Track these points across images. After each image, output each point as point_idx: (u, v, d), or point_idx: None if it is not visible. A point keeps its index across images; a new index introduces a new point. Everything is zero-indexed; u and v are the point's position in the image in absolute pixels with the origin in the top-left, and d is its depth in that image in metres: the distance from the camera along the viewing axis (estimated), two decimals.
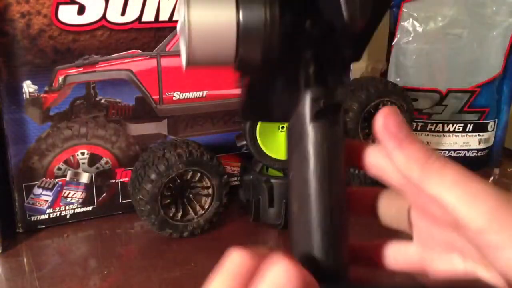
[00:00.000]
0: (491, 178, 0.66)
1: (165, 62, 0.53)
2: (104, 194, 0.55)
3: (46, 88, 0.49)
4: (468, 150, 0.66)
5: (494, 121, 0.66)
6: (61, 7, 0.48)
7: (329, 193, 0.24)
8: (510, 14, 0.62)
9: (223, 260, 0.21)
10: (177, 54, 0.54)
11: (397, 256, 0.26)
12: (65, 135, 0.51)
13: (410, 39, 0.64)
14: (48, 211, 0.52)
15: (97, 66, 0.51)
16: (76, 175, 0.53)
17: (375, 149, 0.25)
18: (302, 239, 0.24)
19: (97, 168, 0.54)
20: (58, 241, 0.51)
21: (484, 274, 0.22)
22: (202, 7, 0.22)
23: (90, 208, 0.54)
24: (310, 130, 0.24)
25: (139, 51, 0.52)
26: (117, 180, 0.55)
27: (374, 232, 0.28)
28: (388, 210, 0.26)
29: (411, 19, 0.64)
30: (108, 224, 0.54)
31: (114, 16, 0.50)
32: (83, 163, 0.53)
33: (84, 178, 0.53)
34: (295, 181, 0.25)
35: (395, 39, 0.65)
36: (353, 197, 0.27)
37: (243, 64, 0.23)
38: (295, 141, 0.24)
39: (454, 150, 0.66)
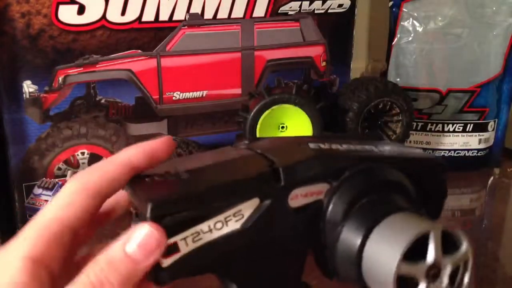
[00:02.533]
0: (491, 178, 0.66)
1: (165, 62, 0.53)
2: None
3: (46, 88, 0.49)
4: (468, 150, 0.66)
5: (494, 121, 0.66)
6: (61, 7, 0.48)
7: None
8: (510, 14, 0.62)
9: None
10: (177, 54, 0.54)
11: None
12: (65, 135, 0.51)
13: (410, 39, 0.64)
14: None
15: (97, 66, 0.51)
16: None
17: None
18: None
19: None
20: None
21: None
22: None
23: None
24: None
25: (139, 51, 0.52)
26: None
27: None
28: None
29: (411, 19, 0.64)
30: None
31: (114, 16, 0.50)
32: (83, 163, 0.53)
33: None
34: None
35: (395, 39, 0.65)
36: None
37: None
38: None
39: (454, 150, 0.66)
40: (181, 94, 0.55)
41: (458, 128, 0.65)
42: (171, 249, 0.23)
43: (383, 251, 0.23)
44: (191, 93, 0.56)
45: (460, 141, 0.66)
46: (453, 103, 0.64)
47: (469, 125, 0.65)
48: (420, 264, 0.22)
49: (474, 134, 0.66)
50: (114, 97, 0.52)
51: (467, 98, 0.64)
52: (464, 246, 0.24)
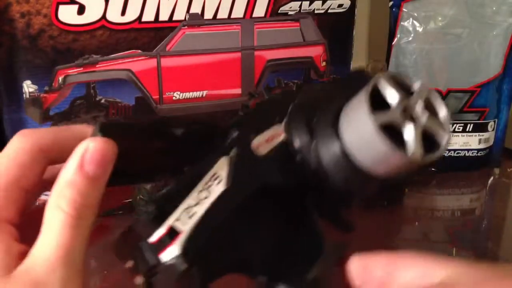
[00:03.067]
0: (491, 178, 0.66)
1: (165, 62, 0.53)
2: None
3: (46, 88, 0.49)
4: (468, 150, 0.66)
5: (494, 121, 0.66)
6: (61, 7, 0.48)
7: None
8: (510, 14, 0.62)
9: None
10: (177, 54, 0.54)
11: None
12: None
13: (410, 39, 0.64)
14: None
15: (97, 66, 0.51)
16: None
17: None
18: None
19: None
20: None
21: None
22: None
23: None
24: None
25: (139, 51, 0.52)
26: None
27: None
28: None
29: (411, 19, 0.63)
30: (108, 224, 0.54)
31: (114, 16, 0.50)
32: None
33: None
34: None
35: (395, 39, 0.65)
36: None
37: None
38: None
39: (454, 150, 0.66)
40: (181, 94, 0.55)
41: (458, 128, 0.65)
42: (171, 234, 0.22)
43: (356, 124, 0.22)
44: (191, 93, 0.56)
45: (460, 141, 0.66)
46: (453, 103, 0.64)
47: (469, 125, 0.65)
48: (390, 110, 0.22)
49: (474, 134, 0.65)
50: (114, 97, 0.52)
51: (467, 98, 0.64)
52: (416, 82, 0.23)
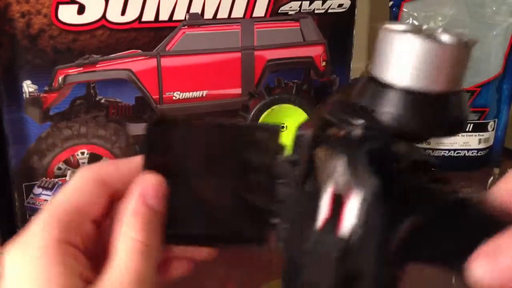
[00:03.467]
0: (491, 178, 0.66)
1: (165, 62, 0.53)
2: None
3: (46, 88, 0.49)
4: (468, 150, 0.66)
5: (494, 121, 0.66)
6: (61, 6, 0.48)
7: None
8: (510, 14, 0.62)
9: None
10: (177, 54, 0.54)
11: None
12: (65, 135, 0.51)
13: None
14: None
15: (97, 66, 0.51)
16: None
17: None
18: None
19: None
20: None
21: None
22: None
23: None
24: None
25: (139, 51, 0.52)
26: None
27: None
28: None
29: (411, 19, 0.64)
30: None
31: (114, 16, 0.50)
32: (83, 163, 0.53)
33: None
34: None
35: None
36: None
37: None
38: None
39: (454, 150, 0.66)
40: (181, 94, 0.55)
41: None
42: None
43: (398, 55, 0.24)
44: (191, 93, 0.56)
45: (460, 141, 0.66)
46: None
47: (469, 125, 0.65)
48: (411, 31, 0.23)
49: (474, 134, 0.66)
50: (114, 97, 0.52)
51: (467, 98, 0.64)
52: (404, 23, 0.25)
